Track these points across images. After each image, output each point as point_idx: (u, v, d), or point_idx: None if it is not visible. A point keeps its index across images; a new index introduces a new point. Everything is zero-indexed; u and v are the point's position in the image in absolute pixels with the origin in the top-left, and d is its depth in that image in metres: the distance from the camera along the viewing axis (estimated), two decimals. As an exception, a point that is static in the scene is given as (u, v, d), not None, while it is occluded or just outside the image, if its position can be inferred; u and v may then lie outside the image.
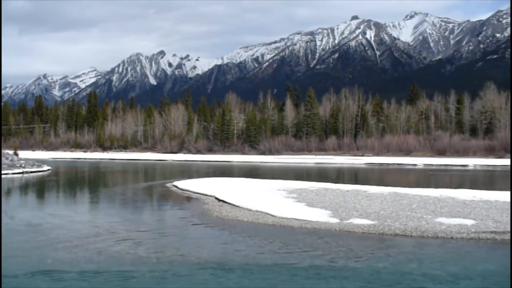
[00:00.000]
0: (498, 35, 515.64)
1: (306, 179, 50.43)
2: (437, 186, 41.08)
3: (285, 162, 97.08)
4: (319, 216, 24.55)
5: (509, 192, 32.38)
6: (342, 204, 28.35)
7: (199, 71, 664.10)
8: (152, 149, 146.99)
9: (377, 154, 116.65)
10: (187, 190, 37.61)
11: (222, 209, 27.70)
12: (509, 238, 19.84)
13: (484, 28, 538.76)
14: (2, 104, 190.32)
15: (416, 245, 19.05)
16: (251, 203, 28.42)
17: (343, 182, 45.59)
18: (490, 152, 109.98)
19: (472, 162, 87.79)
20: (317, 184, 40.73)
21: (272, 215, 25.03)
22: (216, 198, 31.81)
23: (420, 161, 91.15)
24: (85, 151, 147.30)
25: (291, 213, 25.33)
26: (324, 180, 46.88)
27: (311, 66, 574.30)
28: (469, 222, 22.53)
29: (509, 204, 27.60)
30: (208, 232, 22.08)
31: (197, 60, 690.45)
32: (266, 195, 32.76)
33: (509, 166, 74.50)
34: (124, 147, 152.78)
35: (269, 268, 15.46)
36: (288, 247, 18.55)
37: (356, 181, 50.17)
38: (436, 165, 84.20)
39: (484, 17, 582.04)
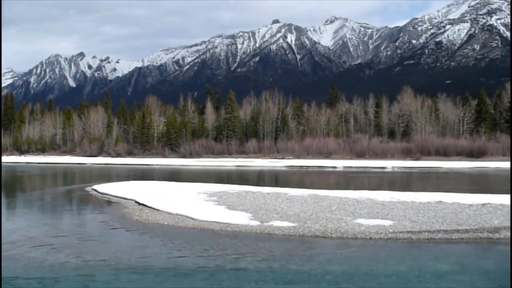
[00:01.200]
0: (414, 41, 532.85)
1: (227, 182, 50.70)
2: (356, 188, 42.03)
3: (206, 165, 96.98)
4: (240, 219, 24.74)
5: (424, 193, 33.62)
6: (263, 206, 28.65)
7: (119, 73, 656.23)
8: (71, 152, 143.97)
9: (298, 157, 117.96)
10: (107, 194, 37.14)
11: (142, 212, 27.53)
12: (425, 237, 20.62)
13: (401, 34, 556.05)
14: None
15: (336, 246, 19.46)
16: (172, 207, 28.36)
17: (264, 185, 45.93)
18: (407, 154, 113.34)
19: (390, 164, 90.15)
20: (237, 187, 40.94)
21: (193, 218, 25.06)
22: (136, 202, 31.56)
23: (339, 163, 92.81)
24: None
25: (211, 216, 25.42)
26: (244, 183, 47.15)
27: (232, 69, 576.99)
28: (387, 222, 23.20)
29: (425, 205, 28.65)
30: (128, 236, 21.90)
31: (117, 62, 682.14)
32: (187, 198, 32.73)
33: (430, 168, 76.93)
34: (42, 151, 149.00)
35: (190, 272, 15.49)
36: (208, 250, 18.61)
37: (276, 184, 50.66)
38: (356, 167, 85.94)
39: (401, 23, 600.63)
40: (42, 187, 49.77)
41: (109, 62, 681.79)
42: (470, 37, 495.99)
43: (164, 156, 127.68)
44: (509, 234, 20.65)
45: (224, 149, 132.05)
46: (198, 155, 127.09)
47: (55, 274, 14.79)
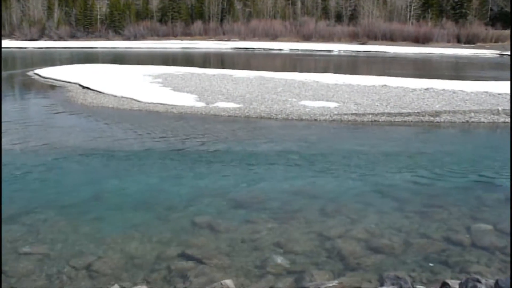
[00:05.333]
0: None
1: (172, 64, 50.20)
2: (302, 70, 42.20)
3: (151, 47, 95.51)
4: (185, 100, 24.69)
5: (369, 77, 33.93)
6: (208, 88, 28.57)
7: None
8: (10, 36, 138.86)
9: (244, 39, 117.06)
10: (50, 78, 36.38)
11: (86, 96, 27.13)
12: (369, 120, 20.98)
13: None
14: None
15: (281, 127, 19.69)
16: (116, 89, 28.01)
17: (209, 67, 45.67)
18: (354, 38, 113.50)
19: (337, 48, 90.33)
20: (183, 69, 40.65)
21: (138, 101, 24.88)
22: (80, 85, 31.03)
23: (286, 46, 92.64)
24: None
25: (157, 98, 25.29)
26: (190, 65, 46.79)
27: None
28: (332, 104, 23.47)
29: (370, 88, 28.99)
30: (73, 119, 21.54)
31: None
32: (132, 81, 32.36)
33: (376, 52, 77.26)
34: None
35: (136, 153, 15.48)
36: (154, 132, 18.58)
37: (222, 66, 50.43)
38: (302, 50, 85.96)
39: None
40: (-19, 71, 48.04)
41: None
42: None
43: (108, 39, 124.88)
44: (449, 117, 21.18)
45: (169, 31, 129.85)
46: (142, 37, 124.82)
47: (-1, 158, 14.52)
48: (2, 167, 13.60)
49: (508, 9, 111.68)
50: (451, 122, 20.65)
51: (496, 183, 12.78)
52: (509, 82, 28.66)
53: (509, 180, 12.64)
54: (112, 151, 15.74)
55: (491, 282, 6.00)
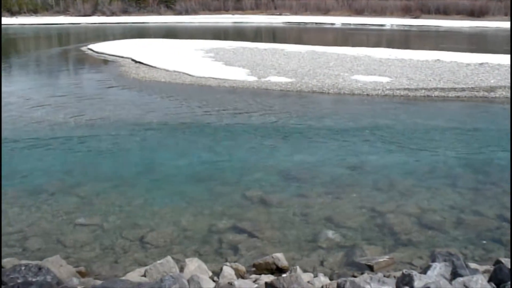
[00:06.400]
0: None
1: (224, 38, 50.27)
2: (354, 45, 41.78)
3: (202, 22, 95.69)
4: (237, 74, 24.75)
5: (422, 51, 33.33)
6: (260, 62, 28.56)
7: None
8: (65, 12, 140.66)
9: (295, 13, 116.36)
10: (103, 53, 36.89)
11: (139, 70, 27.43)
12: (422, 95, 20.71)
13: None
14: None
15: (333, 102, 19.63)
16: (168, 64, 28.24)
17: (261, 41, 45.57)
18: (406, 12, 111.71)
19: (389, 22, 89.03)
20: (234, 43, 40.68)
21: (190, 75, 25.05)
22: (133, 60, 31.41)
23: (338, 20, 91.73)
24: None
25: (209, 72, 25.42)
26: (241, 40, 46.76)
27: None
28: (384, 79, 23.24)
29: (423, 63, 28.55)
30: (126, 93, 21.83)
31: None
32: (184, 55, 32.57)
33: (429, 26, 75.82)
34: (34, 12, 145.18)
35: (189, 127, 15.62)
36: (207, 106, 18.70)
37: (274, 40, 50.21)
38: (354, 24, 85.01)
39: None
40: (36, 49, 48.83)
41: None
42: None
43: (160, 14, 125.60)
44: (505, 93, 20.74)
45: (221, 6, 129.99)
46: (194, 12, 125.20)
47: (55, 134, 14.80)
48: (59, 139, 13.93)
49: None
50: (506, 97, 20.19)
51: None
52: None
53: None
54: (165, 125, 15.91)
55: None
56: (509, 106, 18.99)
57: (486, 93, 20.67)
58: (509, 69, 25.46)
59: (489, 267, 6.61)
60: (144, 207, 9.55)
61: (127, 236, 8.38)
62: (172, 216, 9.13)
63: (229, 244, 8.13)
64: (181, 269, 6.58)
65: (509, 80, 22.63)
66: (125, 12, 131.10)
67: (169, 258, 6.70)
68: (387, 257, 7.47)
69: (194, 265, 6.70)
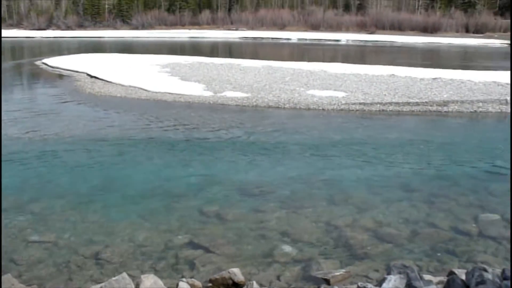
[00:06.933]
0: None
1: (180, 53, 50.14)
2: (310, 59, 42.08)
3: (158, 37, 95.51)
4: (193, 89, 24.72)
5: (377, 66, 33.80)
6: (216, 77, 28.59)
7: None
8: (18, 26, 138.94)
9: (252, 28, 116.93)
10: (58, 68, 36.47)
11: (94, 85, 27.18)
12: (377, 109, 20.96)
13: None
14: None
15: (289, 117, 19.68)
16: (124, 79, 28.09)
17: (217, 56, 45.66)
18: (362, 27, 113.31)
19: (345, 37, 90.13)
20: (190, 58, 40.69)
21: (146, 90, 24.93)
22: (88, 75, 31.11)
23: (294, 35, 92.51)
24: None
25: (164, 87, 25.34)
26: (198, 55, 46.73)
27: None
28: (340, 94, 23.46)
29: (378, 77, 28.93)
30: (81, 109, 21.56)
31: None
32: (139, 70, 32.42)
33: (384, 42, 76.95)
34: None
35: (143, 142, 15.52)
36: (162, 121, 18.61)
37: (230, 55, 50.40)
38: (310, 39, 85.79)
39: None
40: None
41: None
42: None
43: (116, 28, 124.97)
44: (457, 107, 21.13)
45: (177, 21, 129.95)
46: (150, 26, 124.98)
47: (7, 149, 14.49)
48: (13, 155, 13.68)
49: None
50: (459, 112, 20.60)
51: (504, 172, 12.75)
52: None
53: (517, 170, 12.61)
54: (120, 140, 15.77)
55: (498, 271, 6.02)
56: (461, 120, 19.41)
57: (439, 107, 21.03)
58: (460, 84, 26.01)
59: (443, 278, 6.69)
60: (100, 223, 9.44)
61: (82, 252, 8.26)
62: (128, 232, 9.04)
63: (185, 260, 8.08)
64: (137, 286, 6.51)
65: (461, 95, 23.11)
66: (80, 26, 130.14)
67: (124, 274, 6.63)
68: (343, 270, 7.51)
69: (150, 281, 6.63)
